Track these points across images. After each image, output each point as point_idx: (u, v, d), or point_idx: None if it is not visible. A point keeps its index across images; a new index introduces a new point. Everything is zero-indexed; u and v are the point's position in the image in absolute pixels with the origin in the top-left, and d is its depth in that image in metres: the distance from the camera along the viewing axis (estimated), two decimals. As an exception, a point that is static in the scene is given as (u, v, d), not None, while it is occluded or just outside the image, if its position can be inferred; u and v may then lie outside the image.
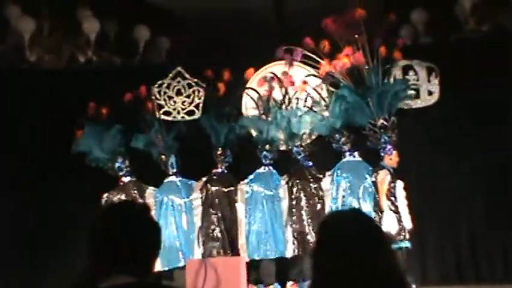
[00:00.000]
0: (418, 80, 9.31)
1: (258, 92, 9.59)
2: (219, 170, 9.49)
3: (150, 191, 9.65)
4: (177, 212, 9.45)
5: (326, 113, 9.28)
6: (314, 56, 9.18)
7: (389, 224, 8.70)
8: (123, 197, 9.44)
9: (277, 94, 9.53)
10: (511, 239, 9.40)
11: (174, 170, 9.56)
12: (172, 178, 9.57)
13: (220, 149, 9.46)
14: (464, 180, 9.63)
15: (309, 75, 9.42)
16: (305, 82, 9.42)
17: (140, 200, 9.39)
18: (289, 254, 9.09)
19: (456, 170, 9.66)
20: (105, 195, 9.46)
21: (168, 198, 9.47)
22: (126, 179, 9.62)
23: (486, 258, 9.48)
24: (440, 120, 9.52)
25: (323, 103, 9.33)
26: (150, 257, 2.71)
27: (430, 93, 9.33)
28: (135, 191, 9.57)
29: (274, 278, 9.18)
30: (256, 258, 9.14)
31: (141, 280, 2.61)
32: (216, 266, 7.63)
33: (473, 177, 9.60)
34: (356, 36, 8.93)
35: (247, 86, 9.67)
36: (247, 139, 9.54)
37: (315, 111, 9.37)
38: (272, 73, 9.59)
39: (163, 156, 9.56)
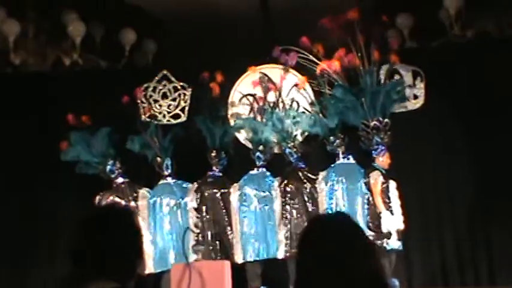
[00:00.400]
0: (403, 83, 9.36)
1: (252, 94, 9.62)
2: (214, 173, 9.51)
3: (143, 192, 9.63)
4: (170, 214, 9.44)
5: (321, 114, 9.32)
6: (310, 56, 9.19)
7: (389, 224, 8.74)
8: (116, 198, 9.43)
9: (271, 96, 9.57)
10: (495, 244, 9.43)
11: (169, 172, 9.57)
12: (167, 180, 9.57)
13: (214, 151, 9.47)
14: (449, 184, 9.66)
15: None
16: (297, 85, 9.48)
17: (133, 202, 9.45)
18: (280, 255, 9.10)
19: (442, 173, 9.69)
20: (98, 197, 9.43)
21: (161, 200, 9.47)
22: (118, 181, 9.60)
23: (471, 262, 9.50)
24: (425, 124, 9.55)
25: (317, 104, 9.37)
26: (132, 262, 2.71)
27: (415, 97, 9.37)
28: (128, 192, 9.55)
29: (260, 282, 9.19)
30: (249, 260, 9.15)
31: (122, 286, 2.61)
32: (201, 270, 7.60)
33: (459, 181, 9.61)
34: (350, 37, 8.97)
35: (237, 86, 9.70)
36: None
37: (310, 112, 9.41)
38: (265, 74, 9.61)
39: (158, 158, 9.56)
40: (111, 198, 9.44)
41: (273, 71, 9.69)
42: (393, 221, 8.77)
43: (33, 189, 9.91)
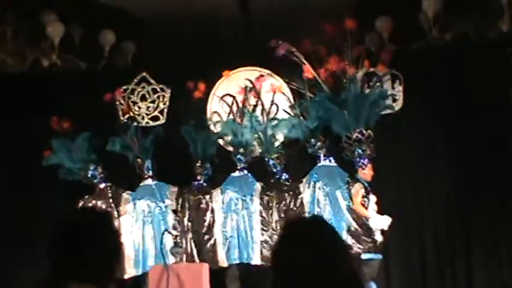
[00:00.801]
0: (382, 86, 9.38)
1: (232, 96, 9.60)
2: (198, 183, 9.48)
3: (126, 195, 9.57)
4: (150, 216, 9.40)
5: (301, 117, 9.32)
6: (301, 57, 9.18)
7: (380, 223, 8.76)
8: (99, 203, 9.39)
9: (251, 99, 9.57)
10: (475, 248, 9.44)
11: (150, 174, 9.53)
12: (148, 182, 9.53)
13: (199, 161, 9.44)
14: (429, 187, 9.66)
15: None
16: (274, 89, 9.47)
17: (115, 207, 9.39)
18: (256, 260, 9.10)
19: (421, 177, 9.70)
20: (81, 201, 9.39)
21: (142, 201, 9.43)
22: (101, 186, 9.55)
23: (450, 266, 9.51)
24: (404, 127, 9.57)
25: (297, 107, 9.36)
26: (111, 265, 2.70)
27: (394, 100, 9.40)
28: (111, 197, 9.49)
29: (239, 285, 9.18)
30: (230, 262, 9.14)
31: (102, 288, 2.60)
32: (179, 272, 7.59)
33: (438, 184, 9.63)
34: (344, 45, 8.97)
35: (215, 91, 9.68)
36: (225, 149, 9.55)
37: (291, 115, 9.41)
38: (249, 81, 9.57)
39: (139, 160, 9.51)
40: (93, 202, 9.41)
41: (252, 73, 9.69)
42: (382, 220, 8.79)
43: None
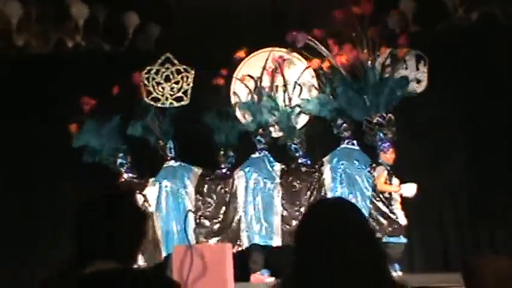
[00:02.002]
0: (406, 68, 9.32)
1: (251, 76, 9.58)
2: (221, 171, 9.55)
3: (151, 180, 9.62)
4: (176, 197, 9.45)
5: (331, 96, 9.31)
6: (319, 47, 9.17)
7: (409, 191, 8.76)
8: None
9: (278, 80, 9.57)
10: (497, 228, 9.42)
11: (173, 155, 9.58)
12: (171, 163, 9.59)
13: (222, 150, 9.48)
14: (451, 168, 9.63)
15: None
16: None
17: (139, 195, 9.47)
18: (276, 242, 9.12)
19: (444, 158, 9.66)
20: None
21: (166, 183, 9.48)
22: (126, 176, 9.62)
23: (472, 246, 9.50)
24: (428, 109, 9.51)
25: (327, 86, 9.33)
26: (134, 244, 2.72)
27: (418, 81, 9.35)
28: (135, 187, 9.54)
29: (262, 265, 9.20)
30: (248, 245, 9.18)
31: (124, 266, 2.62)
32: (203, 253, 7.60)
33: (461, 165, 9.60)
34: (356, 31, 8.95)
35: (237, 73, 9.68)
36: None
37: (319, 92, 9.40)
38: (276, 60, 9.57)
39: (160, 142, 9.57)
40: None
41: (277, 54, 9.68)
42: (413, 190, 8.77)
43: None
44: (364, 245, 2.40)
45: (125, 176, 9.62)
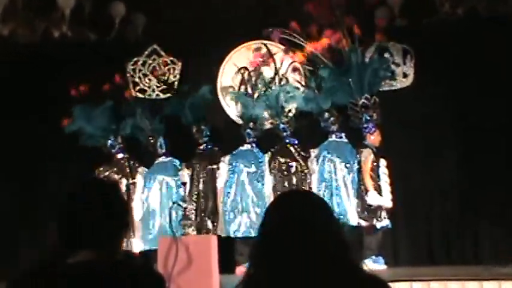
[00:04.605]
0: (393, 61, 9.35)
1: (246, 68, 9.60)
2: (202, 147, 9.56)
3: (141, 170, 9.71)
4: (163, 191, 9.50)
5: (316, 91, 9.32)
6: (297, 38, 9.19)
7: (374, 203, 8.77)
8: (113, 174, 9.56)
9: (266, 71, 9.59)
10: (481, 223, 9.47)
11: (163, 151, 9.61)
12: (162, 159, 9.64)
13: (194, 126, 9.48)
14: (442, 166, 9.68)
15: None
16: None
17: (130, 179, 9.59)
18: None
19: (431, 151, 9.70)
20: (96, 171, 9.52)
21: (158, 178, 9.54)
22: (118, 156, 9.71)
23: (457, 240, 9.54)
24: (415, 102, 9.53)
25: (313, 81, 9.36)
26: (118, 235, 2.71)
27: (405, 75, 9.37)
28: (126, 168, 9.63)
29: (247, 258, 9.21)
30: (234, 235, 9.17)
31: (109, 256, 2.62)
32: (188, 245, 7.61)
33: (452, 163, 9.64)
34: (335, 17, 8.98)
35: (228, 60, 9.74)
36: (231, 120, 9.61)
37: (305, 87, 9.40)
38: (265, 45, 9.59)
39: (151, 138, 9.59)
40: (106, 174, 9.49)
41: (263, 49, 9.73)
42: (380, 200, 8.80)
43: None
44: (327, 233, 2.40)
45: (118, 156, 9.67)
